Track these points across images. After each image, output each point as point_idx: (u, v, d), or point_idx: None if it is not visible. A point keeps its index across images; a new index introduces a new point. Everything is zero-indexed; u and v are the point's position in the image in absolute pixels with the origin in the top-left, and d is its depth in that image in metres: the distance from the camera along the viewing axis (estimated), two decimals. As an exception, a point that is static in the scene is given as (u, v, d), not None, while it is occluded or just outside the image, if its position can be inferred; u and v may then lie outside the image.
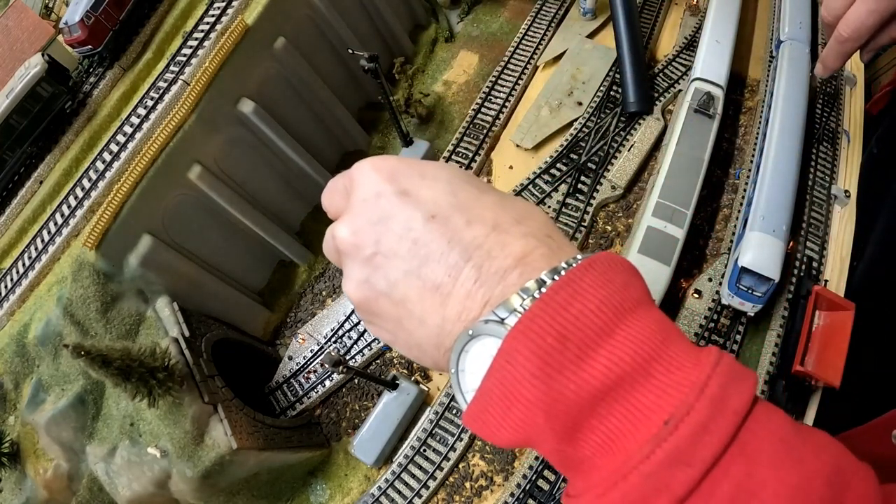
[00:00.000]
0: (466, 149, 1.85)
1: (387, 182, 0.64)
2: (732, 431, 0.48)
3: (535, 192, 1.73)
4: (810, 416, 1.34)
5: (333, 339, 1.68)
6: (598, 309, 0.52)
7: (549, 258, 0.58)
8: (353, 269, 0.65)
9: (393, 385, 1.56)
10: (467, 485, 1.49)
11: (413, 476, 1.49)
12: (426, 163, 0.68)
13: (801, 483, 0.48)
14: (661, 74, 1.87)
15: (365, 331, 1.66)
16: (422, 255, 0.60)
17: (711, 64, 1.68)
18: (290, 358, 1.69)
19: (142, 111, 1.51)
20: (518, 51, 2.03)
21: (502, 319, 0.54)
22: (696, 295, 1.52)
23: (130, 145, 1.46)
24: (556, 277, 0.54)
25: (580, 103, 1.86)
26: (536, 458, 1.44)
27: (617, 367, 0.50)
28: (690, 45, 1.91)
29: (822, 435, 0.52)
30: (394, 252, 0.61)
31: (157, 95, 1.52)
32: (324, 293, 1.81)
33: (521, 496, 1.41)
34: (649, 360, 0.51)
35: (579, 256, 0.56)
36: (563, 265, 0.55)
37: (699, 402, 0.48)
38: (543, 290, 0.53)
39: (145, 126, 1.47)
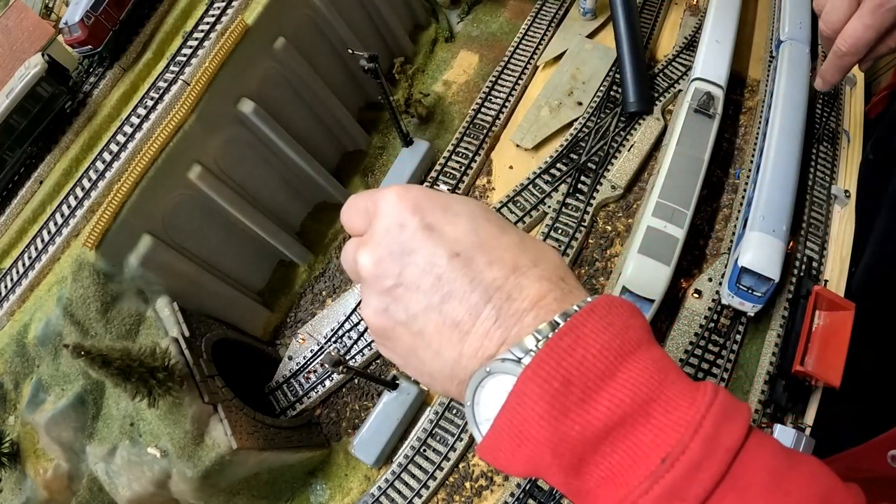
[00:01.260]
0: (466, 149, 1.85)
1: (411, 214, 0.66)
2: (724, 468, 0.51)
3: (535, 192, 1.73)
4: (810, 416, 1.34)
5: (333, 339, 1.68)
6: (599, 353, 0.56)
7: (562, 301, 0.61)
8: (372, 297, 0.68)
9: (393, 385, 1.56)
10: (467, 485, 1.49)
11: (413, 476, 1.49)
12: (449, 196, 0.70)
13: None
14: (661, 74, 1.87)
15: (365, 330, 1.66)
16: (444, 292, 0.63)
17: (711, 64, 1.68)
18: (290, 358, 1.69)
19: (142, 111, 1.51)
20: (518, 51, 2.03)
21: (519, 359, 0.57)
22: (696, 295, 1.52)
23: (130, 145, 1.46)
24: (564, 323, 0.58)
25: (580, 103, 1.86)
26: (536, 458, 1.44)
27: (619, 408, 0.54)
28: (690, 45, 1.91)
29: (812, 463, 0.55)
30: (416, 286, 0.64)
31: (157, 95, 1.52)
32: (324, 293, 1.81)
33: (521, 496, 1.41)
34: (648, 400, 0.55)
35: (589, 299, 0.60)
36: (574, 308, 0.59)
37: (693, 442, 0.52)
38: (555, 331, 0.57)
39: (145, 126, 1.47)
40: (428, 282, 0.64)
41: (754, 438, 0.54)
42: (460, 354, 0.63)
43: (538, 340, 0.57)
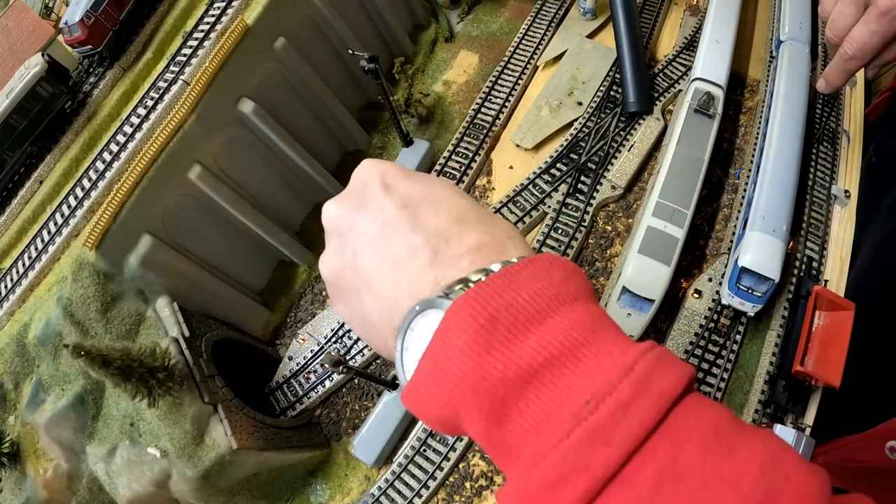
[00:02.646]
0: (466, 149, 1.85)
1: (376, 175, 0.72)
2: (656, 414, 0.47)
3: (535, 192, 1.73)
4: (810, 416, 1.34)
5: (333, 339, 1.68)
6: (531, 298, 0.54)
7: (501, 254, 0.61)
8: (330, 242, 0.74)
9: (393, 385, 1.55)
10: (467, 485, 1.49)
11: (413, 476, 1.49)
12: (417, 172, 0.74)
13: (732, 471, 0.46)
14: (661, 74, 1.87)
15: (365, 331, 1.66)
16: (388, 234, 0.66)
17: (711, 64, 1.68)
18: (290, 358, 1.69)
19: (142, 111, 1.51)
20: (518, 51, 2.03)
21: (447, 294, 0.56)
22: (696, 295, 1.52)
23: (130, 145, 1.46)
24: (499, 269, 0.57)
25: (580, 103, 1.86)
26: (536, 458, 1.44)
27: (545, 349, 0.51)
28: (690, 45, 1.91)
29: (765, 432, 0.51)
30: (365, 229, 0.68)
31: (157, 95, 1.52)
32: (324, 293, 1.81)
33: (521, 496, 1.41)
34: (578, 345, 0.52)
35: (529, 257, 0.59)
36: (513, 259, 0.58)
37: (622, 383, 0.48)
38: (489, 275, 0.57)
39: (145, 126, 1.47)
40: (375, 225, 0.67)
41: (696, 396, 0.51)
42: (397, 294, 0.64)
43: (469, 283, 0.56)
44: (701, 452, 0.47)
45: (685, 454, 0.47)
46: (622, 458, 0.46)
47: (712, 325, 1.48)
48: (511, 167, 1.85)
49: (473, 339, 0.53)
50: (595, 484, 0.46)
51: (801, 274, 1.47)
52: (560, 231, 1.66)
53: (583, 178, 1.73)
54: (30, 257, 1.48)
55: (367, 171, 0.73)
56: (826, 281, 1.48)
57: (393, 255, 0.65)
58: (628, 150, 1.75)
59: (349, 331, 1.68)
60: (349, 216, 0.70)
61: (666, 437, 0.47)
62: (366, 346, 1.65)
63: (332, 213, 0.73)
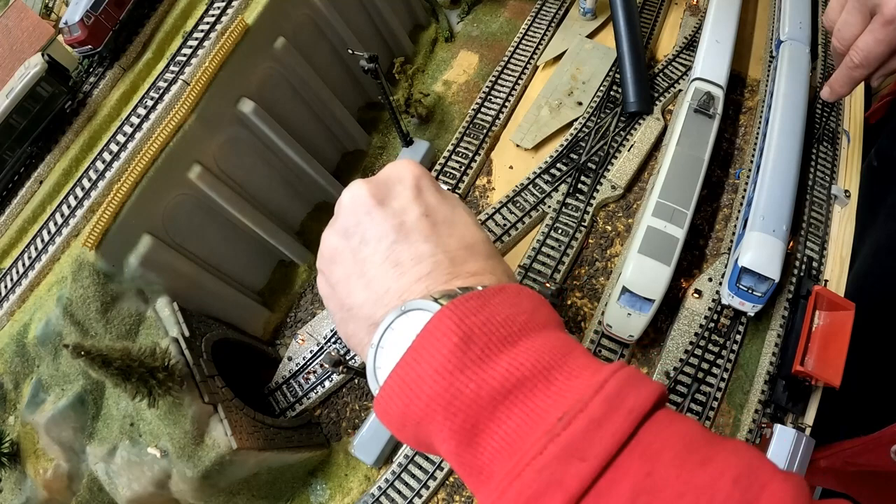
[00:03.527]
0: (466, 149, 1.85)
1: (412, 178, 0.75)
2: (628, 429, 0.48)
3: (535, 192, 1.73)
4: (810, 416, 1.34)
5: (333, 340, 1.68)
6: (504, 321, 0.56)
7: (489, 279, 0.66)
8: (340, 218, 0.77)
9: (393, 385, 1.55)
10: (467, 485, 1.49)
11: (413, 476, 1.49)
12: (448, 192, 0.80)
13: (706, 483, 0.46)
14: (661, 74, 1.87)
15: (365, 331, 1.66)
16: (402, 235, 0.69)
17: (711, 64, 1.68)
18: (290, 358, 1.69)
19: (142, 111, 1.51)
20: (518, 51, 2.03)
21: (435, 300, 0.59)
22: (696, 295, 1.52)
23: (130, 145, 1.46)
24: (481, 289, 0.60)
25: (580, 103, 1.86)
26: (536, 458, 1.44)
27: (517, 370, 0.52)
28: (690, 45, 1.91)
29: (738, 443, 0.51)
30: (382, 220, 0.71)
31: (157, 95, 1.51)
32: (324, 293, 1.81)
33: (521, 496, 1.41)
34: (550, 368, 0.53)
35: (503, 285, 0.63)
36: (492, 284, 0.63)
37: (594, 401, 0.49)
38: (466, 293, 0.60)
39: (145, 126, 1.47)
40: (394, 222, 0.70)
41: (667, 411, 0.52)
42: (388, 290, 0.66)
43: (451, 297, 0.59)
44: (674, 466, 0.47)
45: (659, 468, 0.47)
46: (595, 473, 0.46)
47: (712, 325, 1.48)
48: (511, 167, 1.85)
49: (447, 358, 0.54)
50: (570, 500, 0.46)
51: (801, 274, 1.47)
52: (560, 231, 1.66)
53: (583, 178, 1.73)
54: (30, 257, 1.48)
55: (405, 170, 0.76)
56: (826, 281, 1.48)
57: (398, 256, 0.68)
58: (628, 150, 1.75)
59: (349, 331, 1.68)
60: (371, 204, 0.72)
61: (638, 451, 0.48)
62: (366, 346, 1.65)
63: (357, 194, 0.75)
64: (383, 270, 0.68)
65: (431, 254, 0.67)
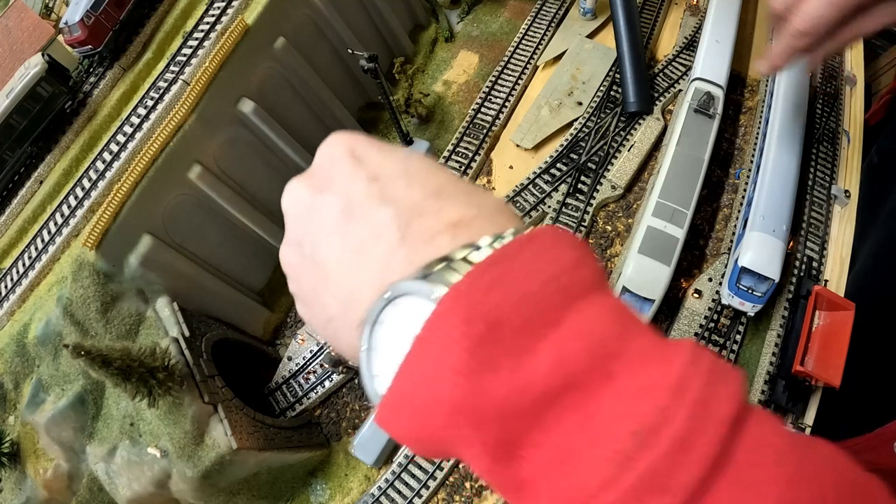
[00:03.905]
0: (466, 149, 1.85)
1: (343, 146, 0.58)
2: (719, 447, 0.37)
3: (535, 192, 1.73)
4: (810, 416, 1.34)
5: (333, 339, 1.68)
6: (540, 290, 0.41)
7: (490, 228, 0.47)
8: (289, 229, 0.60)
9: (393, 385, 1.55)
10: (467, 485, 1.49)
11: (413, 476, 1.49)
12: (393, 146, 0.60)
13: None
14: (661, 74, 1.87)
15: (365, 331, 1.66)
16: (351, 214, 0.53)
17: (711, 64, 1.68)
18: (290, 358, 1.69)
19: (142, 111, 1.51)
20: (518, 51, 2.03)
21: (424, 276, 0.43)
22: (696, 295, 1.52)
23: (130, 145, 1.46)
24: (496, 247, 0.43)
25: (580, 103, 1.86)
26: (536, 458, 1.44)
27: (567, 363, 0.39)
28: (690, 45, 1.91)
29: (823, 445, 0.42)
30: (326, 210, 0.55)
31: (157, 95, 1.52)
32: (324, 293, 1.81)
33: (521, 496, 1.41)
34: (608, 356, 0.40)
35: (528, 230, 0.45)
36: (509, 234, 0.45)
37: (678, 410, 0.37)
38: (477, 259, 0.43)
39: (145, 126, 1.47)
40: (339, 206, 0.54)
41: (752, 412, 0.40)
42: (359, 285, 0.50)
43: (452, 261, 0.43)
44: (775, 489, 0.37)
45: (754, 494, 0.37)
46: None
47: (712, 325, 1.48)
48: (511, 167, 1.85)
49: (470, 353, 0.40)
50: None
51: (801, 274, 1.47)
52: (560, 231, 1.66)
53: (583, 177, 1.73)
54: (30, 257, 1.48)
55: (333, 144, 0.59)
56: (826, 281, 1.48)
57: (356, 239, 0.52)
58: (628, 150, 1.75)
59: (349, 331, 1.68)
60: (309, 196, 0.57)
61: (730, 473, 0.37)
62: (366, 346, 1.65)
63: (294, 195, 0.60)
64: (345, 264, 0.52)
65: (394, 216, 0.50)
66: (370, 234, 0.50)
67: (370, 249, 0.50)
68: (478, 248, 0.44)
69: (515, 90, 1.95)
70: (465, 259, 0.43)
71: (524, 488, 0.41)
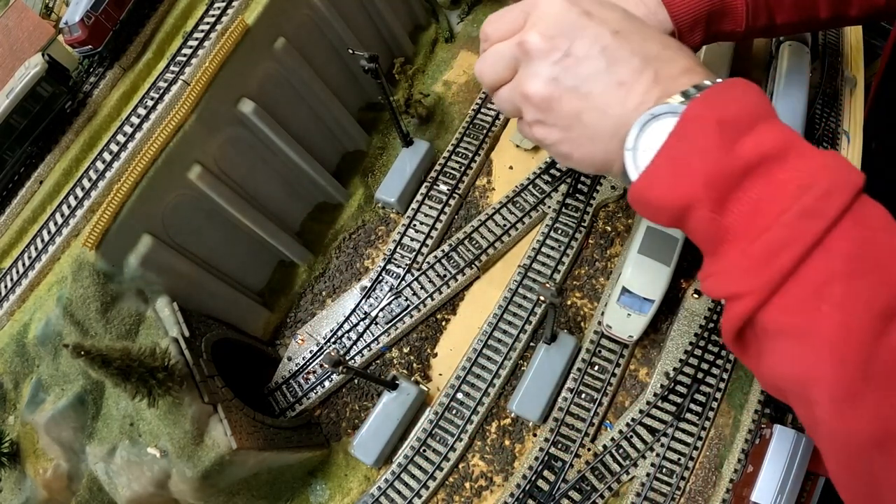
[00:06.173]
0: (466, 149, 1.85)
1: (572, 3, 0.80)
2: (849, 199, 0.61)
3: (535, 193, 1.73)
4: (810, 417, 1.33)
5: (333, 340, 1.68)
6: (745, 107, 0.68)
7: (705, 75, 0.75)
8: (542, 68, 0.81)
9: (393, 385, 1.56)
10: (467, 485, 1.49)
11: (413, 476, 1.49)
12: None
13: None
14: (661, 75, 1.87)
15: (365, 331, 1.66)
16: (609, 59, 0.77)
17: (711, 64, 1.68)
18: (290, 359, 1.69)
19: (142, 111, 1.51)
20: (518, 51, 2.02)
21: (683, 101, 0.70)
22: (695, 295, 1.52)
23: (130, 145, 1.46)
24: (714, 83, 0.71)
25: (580, 103, 1.86)
26: (536, 459, 1.44)
27: (763, 148, 0.65)
28: (690, 45, 1.91)
29: None
30: (586, 55, 0.77)
31: (157, 95, 1.52)
32: (324, 293, 1.81)
33: (520, 496, 1.41)
34: (785, 148, 0.65)
35: (730, 79, 0.73)
36: (718, 79, 0.73)
37: (824, 175, 0.63)
38: (710, 87, 0.71)
39: (145, 126, 1.47)
40: (595, 51, 0.77)
41: (867, 197, 0.64)
42: (624, 109, 0.75)
43: (696, 93, 0.70)
44: (881, 231, 0.62)
45: (869, 232, 0.62)
46: (826, 230, 0.60)
47: (712, 325, 1.48)
48: (511, 167, 1.85)
49: (708, 136, 0.66)
50: (806, 249, 0.61)
51: (801, 274, 1.46)
52: (560, 231, 1.66)
53: (583, 178, 1.73)
54: (30, 257, 1.48)
55: (558, 2, 0.81)
56: (826, 281, 1.47)
57: (618, 78, 0.76)
58: (628, 151, 1.75)
59: (349, 331, 1.68)
60: (562, 45, 0.78)
61: (854, 217, 0.61)
62: (365, 347, 1.65)
63: (538, 40, 0.79)
64: (611, 94, 0.76)
65: (645, 64, 0.75)
66: (630, 75, 0.75)
67: (632, 86, 0.75)
68: (705, 86, 0.71)
69: (515, 90, 1.95)
70: (698, 91, 0.71)
71: (728, 231, 0.67)
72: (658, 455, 1.40)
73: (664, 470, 1.39)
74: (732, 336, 0.70)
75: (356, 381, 1.66)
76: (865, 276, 0.60)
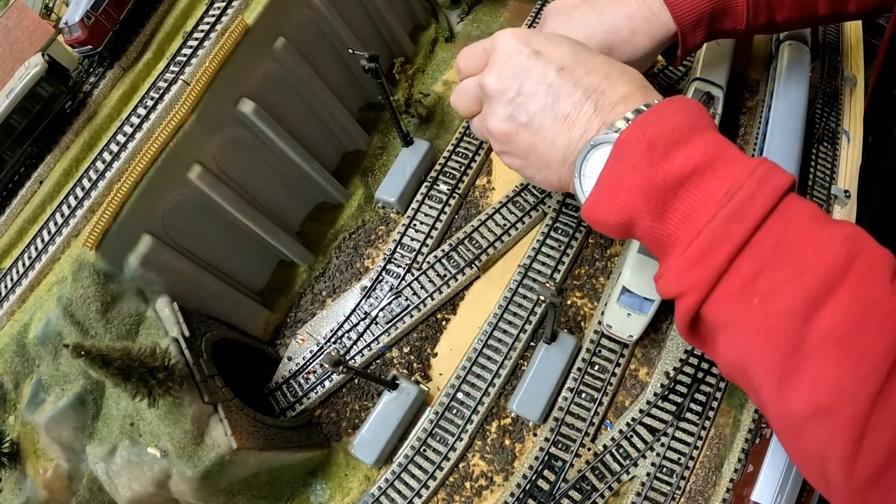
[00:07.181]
0: (466, 149, 1.85)
1: (524, 44, 0.90)
2: (773, 201, 0.69)
3: (536, 192, 1.73)
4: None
5: (333, 340, 1.68)
6: (676, 127, 0.75)
7: (645, 97, 0.84)
8: (498, 108, 0.92)
9: (393, 385, 1.56)
10: (467, 485, 1.49)
11: (413, 476, 1.49)
12: (550, 33, 0.96)
13: (826, 239, 0.68)
14: (660, 75, 1.87)
15: (365, 331, 1.66)
16: (555, 95, 0.87)
17: (711, 64, 1.68)
18: (290, 358, 1.69)
19: (142, 111, 1.51)
20: (518, 51, 2.02)
21: (616, 131, 0.79)
22: (696, 295, 1.51)
23: (130, 145, 1.46)
24: (651, 106, 0.80)
25: (580, 103, 1.86)
26: (536, 459, 1.44)
27: (691, 161, 0.73)
28: (690, 45, 1.91)
29: (848, 222, 0.71)
30: (534, 93, 0.88)
31: (157, 95, 1.52)
32: (324, 293, 1.81)
33: (520, 496, 1.41)
34: (713, 160, 0.73)
35: (663, 99, 0.82)
36: (655, 101, 0.82)
37: (749, 181, 0.71)
38: (642, 112, 0.79)
39: (145, 126, 1.47)
40: (542, 89, 0.87)
41: (795, 195, 0.72)
42: (570, 140, 0.86)
43: (628, 121, 0.79)
44: (803, 228, 0.69)
45: (792, 228, 0.69)
46: (751, 231, 0.68)
47: (712, 325, 1.48)
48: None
49: (640, 157, 0.74)
50: (734, 249, 0.69)
51: (801, 274, 1.46)
52: (560, 231, 1.66)
53: (583, 178, 1.73)
54: (30, 257, 1.48)
55: (513, 41, 0.91)
56: (826, 281, 1.47)
57: (563, 112, 0.86)
58: (628, 150, 1.75)
59: (349, 331, 1.68)
60: (513, 84, 0.89)
61: (779, 216, 0.69)
62: (365, 347, 1.65)
63: (495, 82, 0.91)
64: (558, 128, 0.86)
65: (586, 96, 0.84)
66: (573, 109, 0.85)
67: (575, 119, 0.86)
68: (642, 110, 0.80)
69: (515, 90, 1.95)
70: (635, 116, 0.79)
71: (669, 237, 0.76)
72: (658, 455, 1.40)
73: (664, 469, 1.39)
74: (685, 330, 0.79)
75: (356, 380, 1.66)
76: (788, 267, 0.67)
